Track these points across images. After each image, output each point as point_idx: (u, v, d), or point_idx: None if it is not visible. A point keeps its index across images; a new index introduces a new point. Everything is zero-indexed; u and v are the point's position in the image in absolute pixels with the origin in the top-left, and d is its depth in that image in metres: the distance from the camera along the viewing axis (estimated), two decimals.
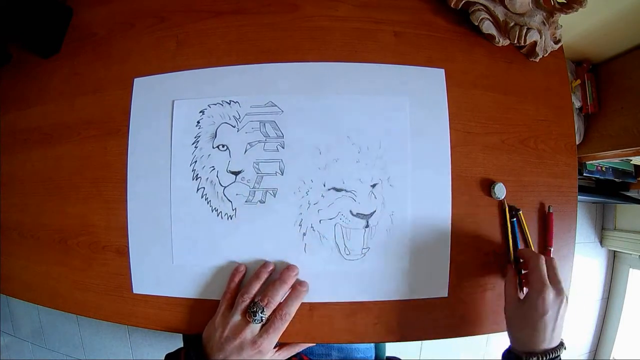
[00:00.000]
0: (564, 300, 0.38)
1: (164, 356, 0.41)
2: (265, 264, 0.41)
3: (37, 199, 0.48)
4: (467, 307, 0.44)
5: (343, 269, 0.43)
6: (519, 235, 0.45)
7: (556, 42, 0.47)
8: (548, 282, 0.38)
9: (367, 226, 0.43)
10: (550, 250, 0.45)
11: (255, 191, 0.43)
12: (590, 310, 1.37)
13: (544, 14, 0.45)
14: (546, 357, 0.36)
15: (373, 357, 0.61)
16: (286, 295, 0.40)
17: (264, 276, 0.40)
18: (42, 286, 0.47)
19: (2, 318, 1.42)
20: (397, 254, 0.43)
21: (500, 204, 0.45)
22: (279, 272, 0.41)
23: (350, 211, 0.42)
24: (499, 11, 0.45)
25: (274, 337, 0.38)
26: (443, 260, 0.43)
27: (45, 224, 0.48)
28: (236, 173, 0.43)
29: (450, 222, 0.44)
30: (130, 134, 0.45)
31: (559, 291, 0.38)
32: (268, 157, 0.43)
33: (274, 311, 0.38)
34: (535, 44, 0.45)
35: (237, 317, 0.37)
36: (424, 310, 0.43)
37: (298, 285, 0.40)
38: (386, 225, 0.43)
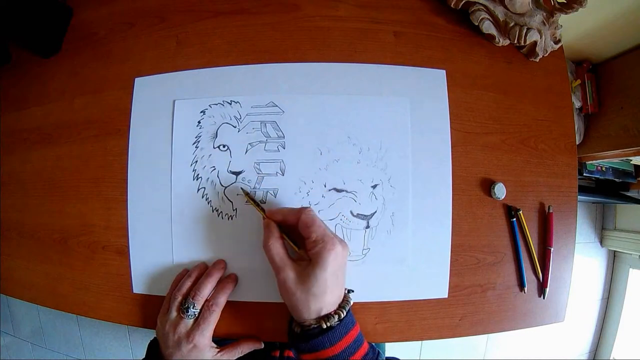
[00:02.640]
0: (347, 248, 0.36)
1: None
2: (198, 264, 0.42)
3: (37, 199, 0.48)
4: (467, 308, 0.44)
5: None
6: (519, 235, 0.45)
7: (556, 42, 0.47)
8: (332, 234, 0.35)
9: (367, 227, 0.43)
10: (550, 250, 0.45)
11: (256, 191, 0.43)
12: (590, 310, 1.37)
13: (544, 14, 0.45)
14: (344, 312, 0.35)
15: None
16: (215, 288, 0.41)
17: (195, 274, 0.41)
18: (42, 286, 0.47)
19: (2, 318, 1.42)
20: (397, 254, 0.43)
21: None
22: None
23: (351, 212, 0.42)
24: (499, 11, 0.45)
25: (205, 328, 0.38)
26: (443, 261, 0.43)
27: (45, 224, 0.48)
28: (237, 173, 0.43)
29: (450, 222, 0.44)
30: (131, 133, 0.45)
31: (342, 241, 0.36)
32: (269, 157, 0.43)
33: (204, 304, 0.39)
34: (535, 44, 0.45)
35: (173, 314, 0.39)
36: (424, 310, 0.43)
37: (226, 278, 0.42)
38: (386, 226, 0.43)
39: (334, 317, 0.34)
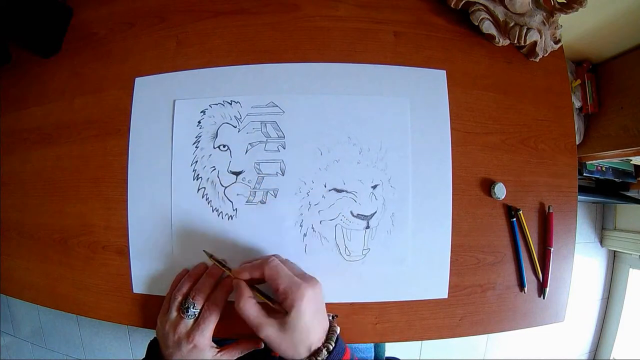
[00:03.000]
0: (318, 285, 0.36)
1: None
2: (198, 264, 0.42)
3: (37, 199, 0.48)
4: (467, 308, 0.44)
5: (343, 269, 0.43)
6: (519, 235, 0.45)
7: (556, 42, 0.47)
8: (299, 280, 0.35)
9: (367, 227, 0.43)
10: (550, 250, 0.45)
11: (256, 191, 0.43)
12: (590, 310, 1.37)
13: (544, 14, 0.45)
14: (332, 344, 0.35)
15: (372, 357, 0.61)
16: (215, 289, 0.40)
17: (195, 274, 0.41)
18: (42, 286, 0.47)
19: (2, 318, 1.42)
20: (397, 255, 0.43)
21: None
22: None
23: (351, 212, 0.42)
24: (499, 11, 0.45)
25: (205, 329, 0.38)
26: (443, 261, 0.43)
27: (45, 224, 0.48)
28: (237, 173, 0.43)
29: (450, 222, 0.44)
30: (131, 133, 0.45)
31: (311, 280, 0.36)
32: (269, 157, 0.43)
33: (204, 304, 0.39)
34: (535, 44, 0.45)
35: (173, 314, 0.39)
36: (424, 310, 0.43)
37: (226, 278, 0.41)
38: (387, 226, 0.43)
39: (322, 352, 0.35)
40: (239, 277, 0.37)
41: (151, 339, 0.43)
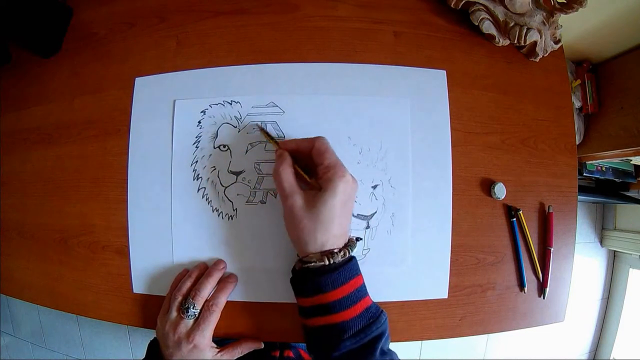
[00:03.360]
0: (356, 182, 0.36)
1: None
2: (198, 264, 0.42)
3: (37, 199, 0.48)
4: (467, 308, 0.44)
5: None
6: (519, 235, 0.45)
7: (556, 42, 0.47)
8: (343, 164, 0.35)
9: (367, 227, 0.43)
10: (550, 250, 0.45)
11: (256, 192, 0.43)
12: (590, 310, 1.37)
13: (544, 14, 0.45)
14: (349, 251, 0.34)
15: None
16: (215, 289, 0.41)
17: (195, 274, 0.41)
18: (42, 286, 0.47)
19: (2, 318, 1.42)
20: (397, 255, 0.43)
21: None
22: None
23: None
24: (499, 11, 0.45)
25: (205, 329, 0.38)
26: (443, 261, 0.43)
27: (45, 224, 0.48)
28: (237, 173, 0.43)
29: (450, 222, 0.44)
30: (131, 133, 0.45)
31: (351, 175, 0.35)
32: (269, 157, 0.43)
33: (204, 304, 0.39)
34: (535, 44, 0.45)
35: (173, 314, 0.39)
36: (424, 310, 0.43)
37: (226, 278, 0.42)
38: (387, 226, 0.43)
39: (338, 254, 0.33)
40: (286, 147, 0.37)
41: (151, 339, 0.43)
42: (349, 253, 0.34)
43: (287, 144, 0.38)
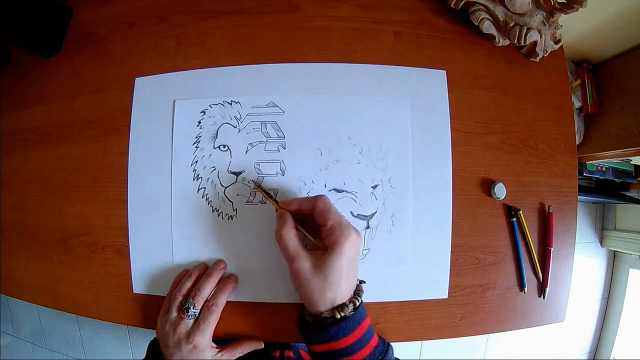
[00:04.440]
0: (360, 236, 0.36)
1: None
2: (198, 264, 0.42)
3: (37, 199, 0.48)
4: (467, 308, 0.44)
5: None
6: (519, 235, 0.45)
7: (556, 42, 0.47)
8: (347, 222, 0.35)
9: (367, 227, 0.43)
10: (550, 250, 0.45)
11: (256, 192, 0.43)
12: (590, 310, 1.37)
13: (544, 14, 0.45)
14: (359, 300, 0.35)
15: None
16: (215, 289, 0.41)
17: (195, 274, 0.41)
18: (42, 286, 0.47)
19: (2, 318, 1.42)
20: (397, 255, 0.43)
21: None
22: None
23: (351, 212, 0.42)
24: (499, 11, 0.45)
25: (205, 329, 0.38)
26: (443, 261, 0.43)
27: (45, 224, 0.48)
28: (237, 173, 0.43)
29: (450, 222, 0.44)
30: (131, 133, 0.45)
31: (355, 229, 0.35)
32: (269, 157, 0.43)
33: (204, 305, 0.39)
34: (535, 44, 0.45)
35: (173, 314, 0.39)
36: (424, 310, 0.43)
37: (226, 278, 0.42)
38: (387, 226, 0.43)
39: (348, 307, 0.33)
40: (287, 208, 0.37)
41: (151, 339, 0.43)
42: (358, 302, 0.35)
43: (288, 204, 0.38)
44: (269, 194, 0.41)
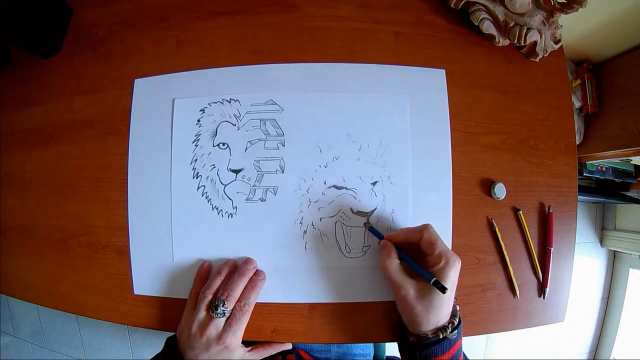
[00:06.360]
0: (460, 261, 0.37)
1: None
2: (227, 261, 0.42)
3: (37, 199, 0.48)
4: (467, 308, 0.44)
5: (344, 266, 0.43)
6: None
7: (556, 42, 0.47)
8: (452, 251, 0.37)
9: (367, 224, 0.42)
10: (550, 250, 0.45)
11: (255, 189, 0.43)
12: (590, 310, 1.37)
13: (544, 14, 0.45)
14: (458, 320, 0.37)
15: (372, 354, 0.61)
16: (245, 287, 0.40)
17: (225, 271, 0.40)
18: (42, 286, 0.47)
19: (2, 318, 1.42)
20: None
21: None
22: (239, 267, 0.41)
23: (351, 209, 0.42)
24: (499, 11, 0.45)
25: (238, 329, 0.38)
26: None
27: (45, 224, 0.48)
28: (237, 171, 0.43)
29: (450, 222, 0.44)
30: (131, 133, 0.45)
31: (458, 258, 0.37)
32: (268, 155, 0.43)
33: (235, 304, 0.39)
34: (535, 44, 0.45)
35: (202, 313, 0.38)
36: None
37: (255, 276, 0.41)
38: (387, 223, 0.43)
39: (448, 328, 0.36)
40: (393, 240, 0.39)
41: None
42: (457, 322, 0.37)
43: (394, 237, 0.40)
44: (374, 229, 0.42)
